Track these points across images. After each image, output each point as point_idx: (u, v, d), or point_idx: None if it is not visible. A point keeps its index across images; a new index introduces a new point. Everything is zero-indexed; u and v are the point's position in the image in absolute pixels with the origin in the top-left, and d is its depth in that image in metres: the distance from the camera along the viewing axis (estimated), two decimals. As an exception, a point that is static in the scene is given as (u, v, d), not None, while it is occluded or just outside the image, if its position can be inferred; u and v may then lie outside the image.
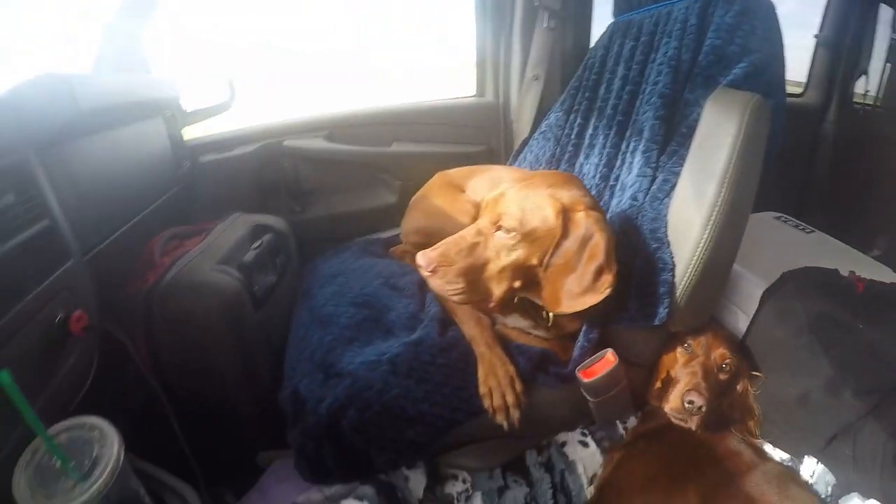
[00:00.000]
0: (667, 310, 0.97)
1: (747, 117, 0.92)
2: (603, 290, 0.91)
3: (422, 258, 0.94)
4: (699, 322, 1.07)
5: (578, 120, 1.34)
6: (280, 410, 1.03)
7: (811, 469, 1.04)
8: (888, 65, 2.42)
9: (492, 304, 0.99)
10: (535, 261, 0.94)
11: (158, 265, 1.12)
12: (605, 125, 1.23)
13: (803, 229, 1.53)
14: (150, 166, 1.33)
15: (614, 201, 1.15)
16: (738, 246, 1.00)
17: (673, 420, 1.02)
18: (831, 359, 1.02)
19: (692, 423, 1.00)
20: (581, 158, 1.30)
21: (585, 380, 0.97)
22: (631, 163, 1.13)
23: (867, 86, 2.34)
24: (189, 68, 1.60)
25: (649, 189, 1.06)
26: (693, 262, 0.95)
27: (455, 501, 1.02)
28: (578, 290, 0.91)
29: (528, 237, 0.93)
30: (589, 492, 1.03)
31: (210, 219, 1.38)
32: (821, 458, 1.04)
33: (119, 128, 1.19)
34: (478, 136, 1.81)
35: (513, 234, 0.93)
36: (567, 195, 0.94)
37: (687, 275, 0.96)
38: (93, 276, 0.94)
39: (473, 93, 1.89)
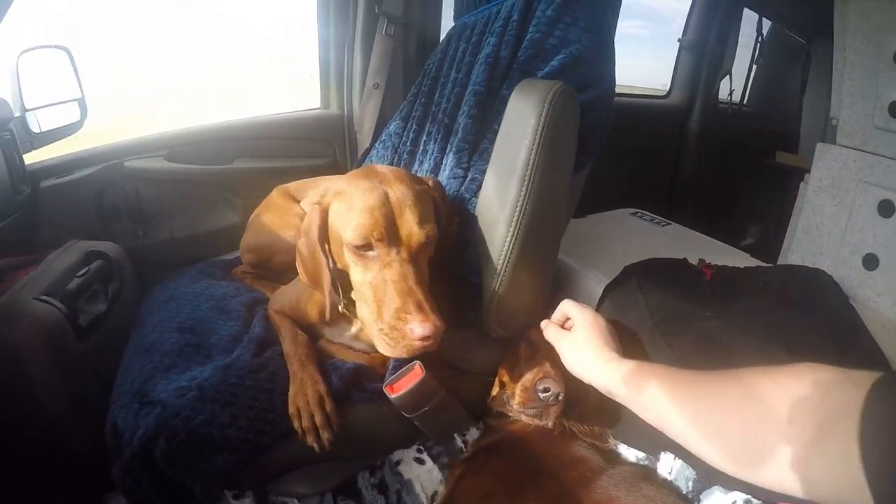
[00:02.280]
0: (477, 313, 0.97)
1: (548, 106, 0.90)
2: None
3: None
4: (525, 325, 1.06)
5: (414, 126, 1.36)
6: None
7: (669, 465, 1.03)
8: (755, 66, 2.51)
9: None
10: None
11: None
12: (437, 130, 1.24)
13: (658, 223, 1.52)
14: None
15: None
16: (554, 245, 0.99)
17: (526, 419, 0.98)
18: (672, 348, 1.02)
19: (549, 419, 0.96)
20: (416, 166, 1.30)
21: (392, 395, 0.95)
22: (446, 164, 1.11)
23: (732, 85, 2.41)
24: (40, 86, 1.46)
25: (459, 190, 1.03)
26: (501, 262, 0.95)
27: None
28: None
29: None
30: (430, 511, 1.01)
31: (53, 246, 1.33)
32: (677, 453, 1.03)
33: None
34: (322, 149, 1.82)
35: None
36: None
37: (497, 276, 0.96)
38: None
39: (318, 105, 1.88)
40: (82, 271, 1.23)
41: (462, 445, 1.06)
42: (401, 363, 0.98)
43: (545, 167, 0.90)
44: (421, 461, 1.04)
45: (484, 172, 1.00)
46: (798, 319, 1.07)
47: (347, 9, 1.73)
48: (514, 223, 0.91)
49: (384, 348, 0.84)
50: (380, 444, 1.04)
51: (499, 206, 0.93)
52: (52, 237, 1.39)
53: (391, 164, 1.40)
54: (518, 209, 0.90)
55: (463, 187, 1.04)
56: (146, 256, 1.48)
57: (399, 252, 0.84)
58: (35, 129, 1.45)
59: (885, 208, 1.45)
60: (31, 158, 1.48)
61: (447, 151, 1.14)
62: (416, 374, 0.94)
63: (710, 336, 1.02)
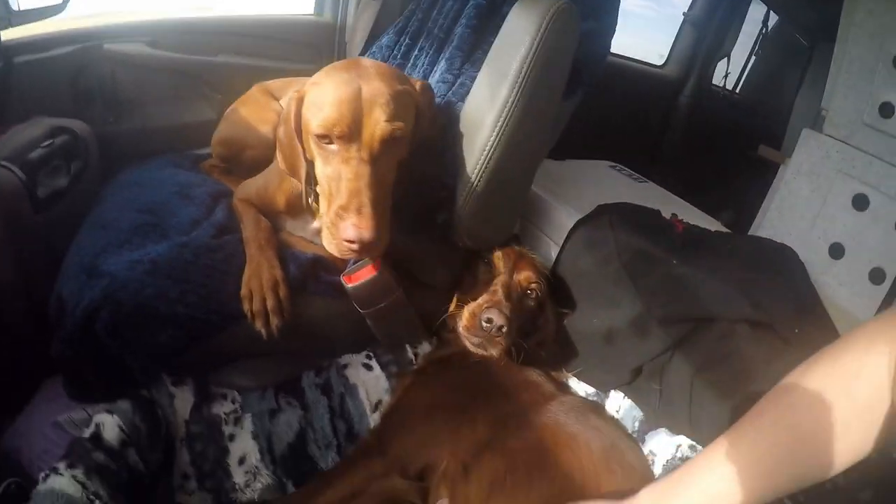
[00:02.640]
0: (446, 215, 0.96)
1: (549, 21, 0.89)
2: None
3: None
4: (491, 240, 1.04)
5: (407, 41, 1.32)
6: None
7: (617, 404, 1.04)
8: (753, 57, 2.50)
9: None
10: None
11: None
12: (430, 44, 1.22)
13: (636, 179, 1.52)
14: None
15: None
16: (531, 164, 0.98)
17: (471, 347, 0.96)
18: (638, 288, 1.01)
19: (493, 351, 0.94)
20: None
21: (348, 284, 0.93)
22: (436, 70, 1.11)
23: (728, 69, 2.40)
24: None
25: (446, 94, 1.02)
26: (478, 166, 0.94)
27: (223, 423, 0.97)
28: None
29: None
30: (373, 419, 1.00)
31: (20, 122, 1.28)
32: (627, 393, 1.04)
33: None
34: (310, 55, 1.75)
35: None
36: None
37: (472, 181, 0.94)
38: None
39: (312, 10, 1.82)
40: (46, 143, 1.18)
41: (413, 357, 1.05)
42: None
43: (537, 79, 0.89)
44: (369, 367, 1.02)
45: (474, 79, 0.98)
46: (762, 281, 1.07)
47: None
48: (498, 128, 0.89)
49: (326, 241, 0.84)
50: (329, 344, 1.02)
51: (486, 109, 0.91)
52: (22, 113, 1.31)
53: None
54: (504, 114, 0.89)
55: (451, 91, 1.02)
56: (115, 143, 1.42)
57: (360, 150, 0.81)
58: (14, 6, 1.39)
59: (860, 202, 1.47)
60: (7, 35, 1.40)
61: (439, 59, 1.12)
62: (375, 267, 0.92)
63: (676, 280, 1.01)
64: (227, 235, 1.02)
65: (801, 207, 1.56)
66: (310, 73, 1.57)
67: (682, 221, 1.17)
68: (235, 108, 1.31)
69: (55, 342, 0.91)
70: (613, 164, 1.65)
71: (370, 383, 1.01)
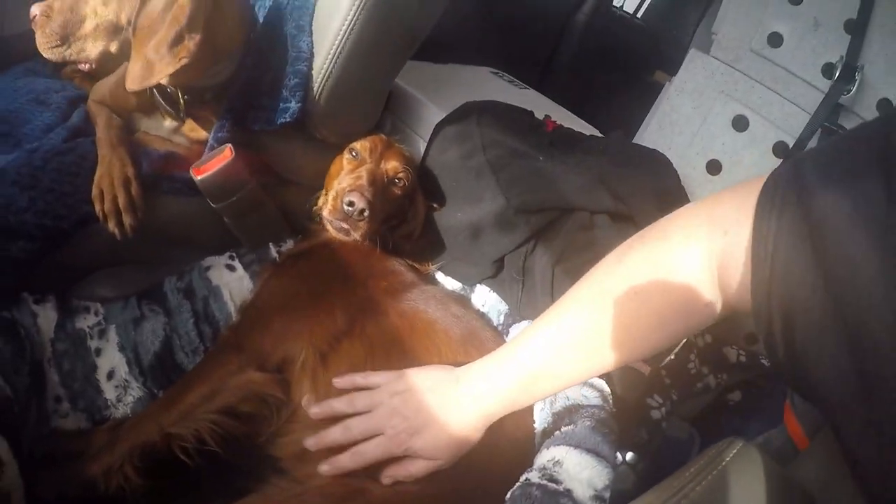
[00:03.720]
0: (300, 104, 0.94)
1: None
2: (179, 59, 0.84)
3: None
4: (350, 133, 1.03)
5: None
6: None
7: (483, 299, 1.05)
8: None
9: (86, 67, 0.96)
10: (123, 20, 0.88)
11: None
12: None
13: (518, 85, 1.54)
14: None
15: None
16: (394, 57, 0.97)
17: (333, 232, 0.95)
18: (500, 181, 1.02)
19: (357, 233, 0.92)
20: None
21: (198, 176, 0.92)
22: None
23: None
24: None
25: None
26: (332, 52, 0.92)
27: (88, 337, 0.95)
28: (155, 58, 0.85)
29: None
30: (239, 321, 0.99)
31: None
32: (492, 287, 1.06)
33: None
34: None
35: None
36: None
37: (325, 67, 0.94)
38: None
39: None
40: None
41: (276, 256, 1.04)
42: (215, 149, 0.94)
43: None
44: (232, 268, 1.01)
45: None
46: (626, 176, 1.09)
47: None
48: (351, 14, 0.87)
49: None
50: (188, 246, 1.01)
51: None
52: None
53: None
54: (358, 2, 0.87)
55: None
56: None
57: None
58: None
59: (740, 123, 1.55)
60: None
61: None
62: (226, 155, 0.90)
63: (538, 172, 1.03)
64: (81, 138, 0.98)
65: (682, 124, 1.63)
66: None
67: (554, 122, 1.19)
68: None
69: None
70: (496, 70, 1.65)
71: (234, 284, 1.00)
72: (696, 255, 0.56)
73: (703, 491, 0.38)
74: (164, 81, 0.91)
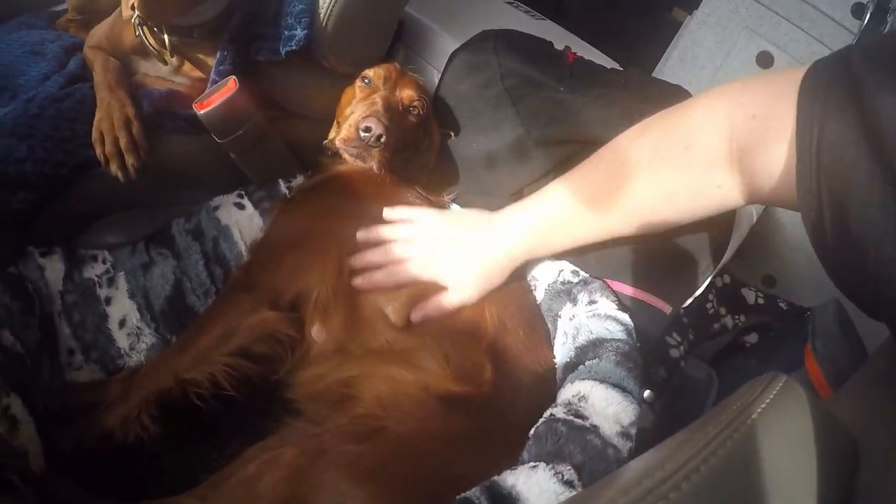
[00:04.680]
0: (305, 31, 0.90)
1: None
2: None
3: None
4: (360, 62, 0.99)
5: None
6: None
7: None
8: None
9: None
10: None
11: None
12: None
13: (533, 16, 1.49)
14: None
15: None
16: None
17: (349, 159, 0.92)
18: (519, 112, 0.98)
19: (372, 161, 0.89)
20: None
21: (200, 111, 0.89)
22: None
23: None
24: None
25: None
26: None
27: (97, 286, 0.93)
28: None
29: None
30: (250, 261, 0.97)
31: None
32: None
33: None
34: None
35: None
36: None
37: None
38: None
39: None
40: None
41: (286, 192, 1.02)
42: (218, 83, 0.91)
43: None
44: (241, 206, 0.99)
45: None
46: (647, 110, 1.06)
47: None
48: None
49: None
50: (195, 186, 0.98)
51: None
52: None
53: None
54: None
55: None
56: None
57: None
58: None
59: (764, 59, 1.51)
60: None
61: None
62: (229, 87, 0.87)
63: (559, 103, 0.99)
64: (79, 84, 0.96)
65: (703, 58, 1.57)
66: None
67: (574, 53, 1.15)
68: None
69: None
70: (510, 0, 1.60)
71: (243, 223, 0.98)
72: (716, 135, 0.58)
73: (751, 427, 0.36)
74: (141, 20, 0.89)
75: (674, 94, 1.15)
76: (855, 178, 0.43)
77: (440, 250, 0.81)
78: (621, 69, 1.30)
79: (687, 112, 0.63)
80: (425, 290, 0.83)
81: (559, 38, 1.29)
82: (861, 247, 0.43)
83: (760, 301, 1.28)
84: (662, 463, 0.30)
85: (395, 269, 0.81)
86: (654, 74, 1.62)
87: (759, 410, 0.36)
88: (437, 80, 1.10)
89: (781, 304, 1.27)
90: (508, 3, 1.56)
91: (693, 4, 1.76)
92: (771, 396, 0.38)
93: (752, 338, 1.27)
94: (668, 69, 1.59)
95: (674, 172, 0.63)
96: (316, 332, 0.83)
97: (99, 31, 1.03)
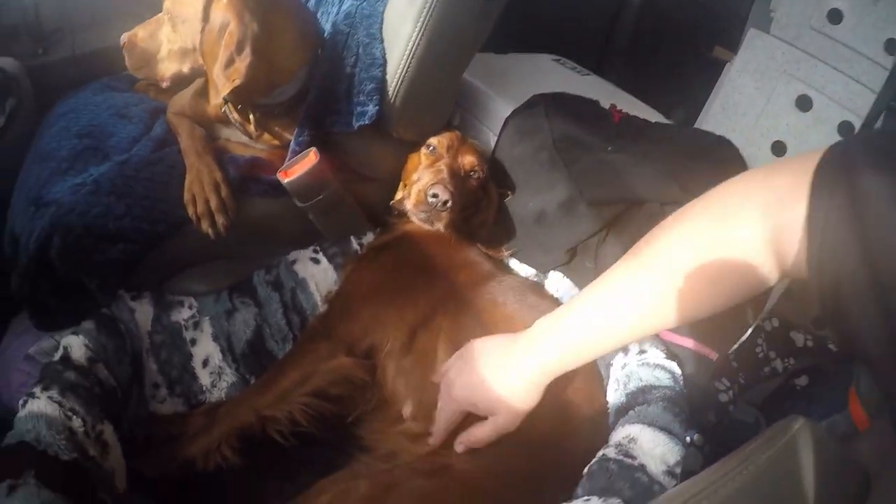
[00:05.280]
0: (377, 108, 1.05)
1: None
2: (232, 80, 0.97)
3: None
4: (427, 130, 1.15)
5: None
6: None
7: (556, 285, 1.15)
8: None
9: (165, 84, 1.11)
10: (191, 45, 1.03)
11: None
12: None
13: (580, 72, 1.61)
14: None
15: (346, 4, 1.19)
16: (461, 55, 1.09)
17: (418, 222, 1.07)
18: (570, 173, 1.11)
19: (440, 223, 1.04)
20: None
21: (285, 179, 1.04)
22: None
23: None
24: None
25: None
26: (405, 57, 1.03)
27: (183, 329, 1.09)
28: (217, 79, 0.99)
29: (180, 20, 1.02)
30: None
31: None
32: (566, 273, 1.15)
33: None
34: None
35: (168, 15, 1.04)
36: None
37: (399, 72, 1.04)
38: None
39: None
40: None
41: (358, 248, 1.17)
42: (298, 153, 1.06)
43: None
44: (316, 261, 1.14)
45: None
46: (694, 167, 1.16)
47: None
48: (421, 20, 0.98)
49: None
50: (275, 242, 1.14)
51: (408, 1, 0.99)
52: None
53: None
54: (427, 6, 0.97)
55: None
56: (47, 75, 1.47)
57: None
58: None
59: (803, 103, 1.59)
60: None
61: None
62: (311, 159, 1.02)
63: (608, 164, 1.11)
64: (167, 148, 1.11)
65: (745, 104, 1.67)
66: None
67: (620, 111, 1.26)
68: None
69: (14, 278, 1.01)
70: (557, 57, 1.72)
71: (319, 276, 1.13)
72: (753, 223, 0.61)
73: (764, 464, 0.46)
74: (227, 99, 1.05)
75: (718, 147, 1.27)
76: (846, 264, 0.51)
77: (466, 388, 0.82)
78: (667, 122, 1.41)
79: (723, 202, 0.65)
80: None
81: (605, 92, 1.41)
82: (849, 325, 0.53)
83: (809, 343, 1.33)
84: (686, 489, 0.41)
85: (434, 430, 0.87)
86: (698, 122, 1.72)
87: (775, 447, 0.47)
88: (492, 142, 1.23)
89: (830, 346, 1.33)
90: (555, 60, 1.69)
91: (733, 42, 1.86)
92: (788, 436, 0.48)
93: (803, 380, 1.32)
94: (711, 117, 1.69)
95: (717, 263, 0.63)
96: (406, 413, 0.94)
97: (181, 100, 1.20)
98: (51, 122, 1.26)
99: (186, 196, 1.03)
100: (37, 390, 0.84)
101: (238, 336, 1.09)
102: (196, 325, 1.09)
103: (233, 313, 1.10)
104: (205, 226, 1.02)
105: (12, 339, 1.10)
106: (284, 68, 1.06)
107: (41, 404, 0.82)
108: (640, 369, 0.89)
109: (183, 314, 1.09)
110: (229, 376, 1.07)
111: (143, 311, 1.06)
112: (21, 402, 0.84)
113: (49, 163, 1.10)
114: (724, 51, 2.07)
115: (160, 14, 1.06)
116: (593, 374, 0.96)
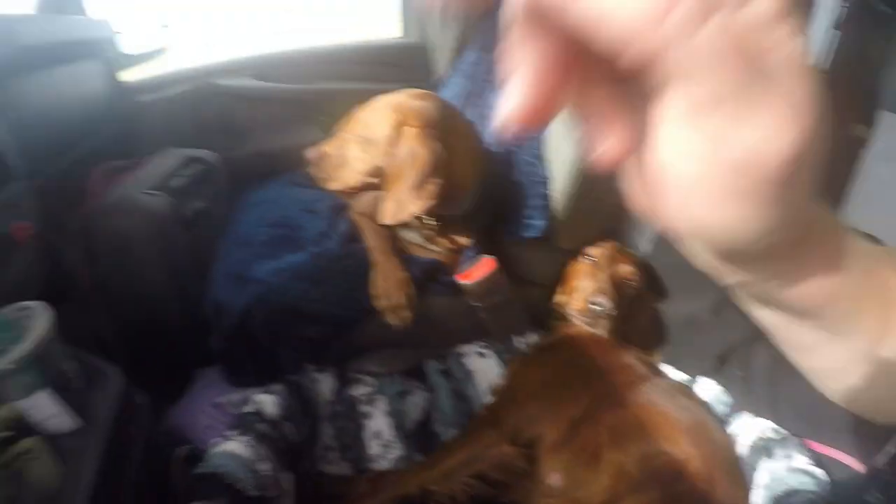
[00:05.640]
0: (544, 222, 1.22)
1: None
2: (423, 200, 1.12)
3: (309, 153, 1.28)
4: (587, 240, 1.29)
5: (490, 57, 1.52)
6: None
7: (707, 388, 1.22)
8: (837, 32, 2.51)
9: (348, 193, 1.29)
10: (378, 163, 1.18)
11: (98, 193, 1.40)
12: None
13: None
14: (89, 105, 1.61)
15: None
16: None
17: (581, 326, 1.21)
18: None
19: (600, 328, 1.18)
20: (493, 93, 1.51)
21: (465, 282, 1.22)
22: None
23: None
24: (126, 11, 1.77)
25: None
26: (568, 176, 1.18)
27: (359, 403, 1.26)
28: (404, 198, 1.13)
29: (369, 142, 1.18)
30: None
31: (146, 155, 1.61)
32: (715, 379, 1.21)
33: (60, 66, 1.45)
34: (401, 76, 1.92)
35: (358, 137, 1.20)
36: (411, 111, 1.16)
37: (564, 190, 1.20)
38: (42, 200, 1.19)
39: (398, 32, 2.08)
40: (185, 172, 1.52)
41: (522, 347, 1.32)
42: (475, 261, 1.23)
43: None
44: (483, 355, 1.30)
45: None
46: None
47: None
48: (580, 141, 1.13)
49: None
50: (448, 335, 1.30)
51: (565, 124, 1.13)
52: (148, 149, 1.66)
53: (469, 91, 1.61)
54: None
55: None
56: (238, 167, 1.75)
57: None
58: (128, 49, 1.78)
59: None
60: (128, 77, 1.80)
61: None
62: (489, 266, 1.20)
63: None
64: (354, 244, 1.31)
65: (884, 194, 1.68)
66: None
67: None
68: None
69: (215, 338, 1.23)
70: None
71: (485, 370, 1.28)
72: None
73: None
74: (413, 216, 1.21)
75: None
76: None
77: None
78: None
79: None
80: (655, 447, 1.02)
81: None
82: None
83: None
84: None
85: None
86: (840, 212, 1.75)
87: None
88: (642, 245, 1.38)
89: None
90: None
91: (869, 118, 1.88)
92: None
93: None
94: (852, 207, 1.71)
95: None
96: (549, 474, 1.05)
97: (366, 202, 1.38)
98: (246, 209, 1.51)
99: (374, 290, 1.21)
100: (233, 434, 1.04)
101: (408, 416, 1.25)
102: (371, 402, 1.25)
103: (405, 395, 1.27)
104: (390, 318, 1.19)
105: (202, 388, 1.31)
106: (462, 185, 1.21)
107: (236, 446, 1.01)
108: (786, 474, 0.96)
109: (360, 390, 1.27)
110: (397, 450, 1.21)
111: (326, 383, 1.25)
112: (215, 440, 1.03)
113: (249, 246, 1.33)
114: (861, 128, 2.06)
115: (346, 133, 1.25)
116: (740, 477, 1.03)
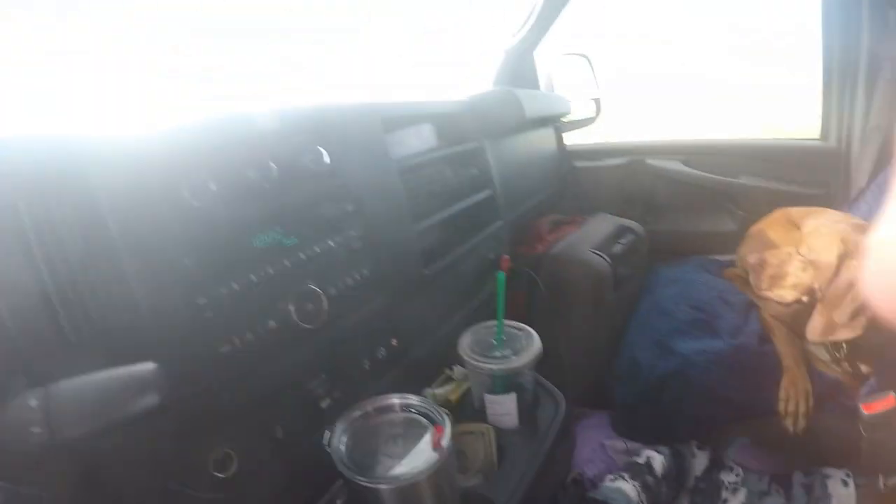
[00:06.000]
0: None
1: None
2: (856, 329, 1.19)
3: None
4: None
5: None
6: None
7: None
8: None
9: (780, 306, 1.40)
10: (815, 285, 1.29)
11: (546, 239, 1.80)
12: None
13: None
14: (544, 163, 2.03)
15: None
16: None
17: None
18: None
19: None
20: None
21: (867, 413, 1.24)
22: None
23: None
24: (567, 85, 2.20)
25: None
26: None
27: (723, 488, 1.43)
28: (838, 323, 1.21)
29: (813, 265, 1.29)
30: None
31: (578, 213, 2.01)
32: None
33: (532, 131, 1.89)
34: (817, 180, 2.03)
35: (802, 258, 1.33)
36: (856, 245, 1.22)
37: None
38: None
39: (816, 135, 2.07)
40: (624, 240, 1.84)
41: (882, 487, 1.29)
42: (877, 390, 1.27)
43: None
44: (846, 483, 1.35)
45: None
46: None
47: (850, 53, 1.83)
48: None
49: None
50: (823, 453, 1.39)
51: None
52: (578, 208, 2.05)
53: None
54: None
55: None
56: (651, 239, 2.02)
57: None
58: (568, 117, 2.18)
59: None
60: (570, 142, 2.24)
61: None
62: (890, 402, 1.22)
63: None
64: (766, 345, 1.47)
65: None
66: (816, 197, 1.95)
67: None
68: (763, 230, 1.72)
69: (622, 391, 1.50)
70: None
71: (843, 498, 1.33)
72: None
73: None
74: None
75: None
76: None
77: None
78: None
79: None
80: None
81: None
82: None
83: None
84: None
85: None
86: None
87: None
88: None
89: None
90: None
91: None
92: None
93: None
94: None
95: None
96: None
97: (779, 308, 1.46)
98: (662, 283, 1.77)
99: (782, 394, 1.34)
100: (626, 476, 1.30)
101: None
102: (734, 491, 1.41)
103: (764, 496, 1.40)
104: (789, 422, 1.32)
105: (590, 427, 1.58)
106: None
107: (627, 487, 1.26)
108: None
109: (728, 477, 1.43)
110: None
111: (701, 460, 1.45)
112: (610, 478, 1.30)
113: (669, 319, 1.56)
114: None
115: (788, 249, 1.39)
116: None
